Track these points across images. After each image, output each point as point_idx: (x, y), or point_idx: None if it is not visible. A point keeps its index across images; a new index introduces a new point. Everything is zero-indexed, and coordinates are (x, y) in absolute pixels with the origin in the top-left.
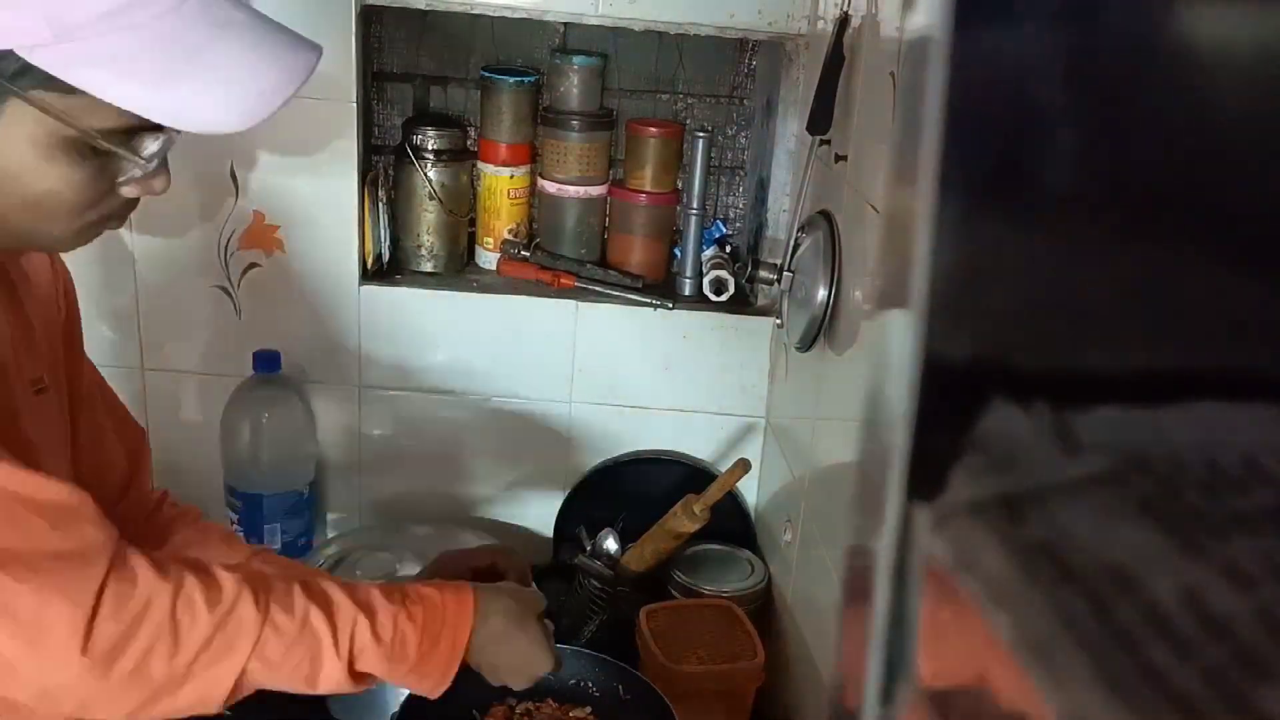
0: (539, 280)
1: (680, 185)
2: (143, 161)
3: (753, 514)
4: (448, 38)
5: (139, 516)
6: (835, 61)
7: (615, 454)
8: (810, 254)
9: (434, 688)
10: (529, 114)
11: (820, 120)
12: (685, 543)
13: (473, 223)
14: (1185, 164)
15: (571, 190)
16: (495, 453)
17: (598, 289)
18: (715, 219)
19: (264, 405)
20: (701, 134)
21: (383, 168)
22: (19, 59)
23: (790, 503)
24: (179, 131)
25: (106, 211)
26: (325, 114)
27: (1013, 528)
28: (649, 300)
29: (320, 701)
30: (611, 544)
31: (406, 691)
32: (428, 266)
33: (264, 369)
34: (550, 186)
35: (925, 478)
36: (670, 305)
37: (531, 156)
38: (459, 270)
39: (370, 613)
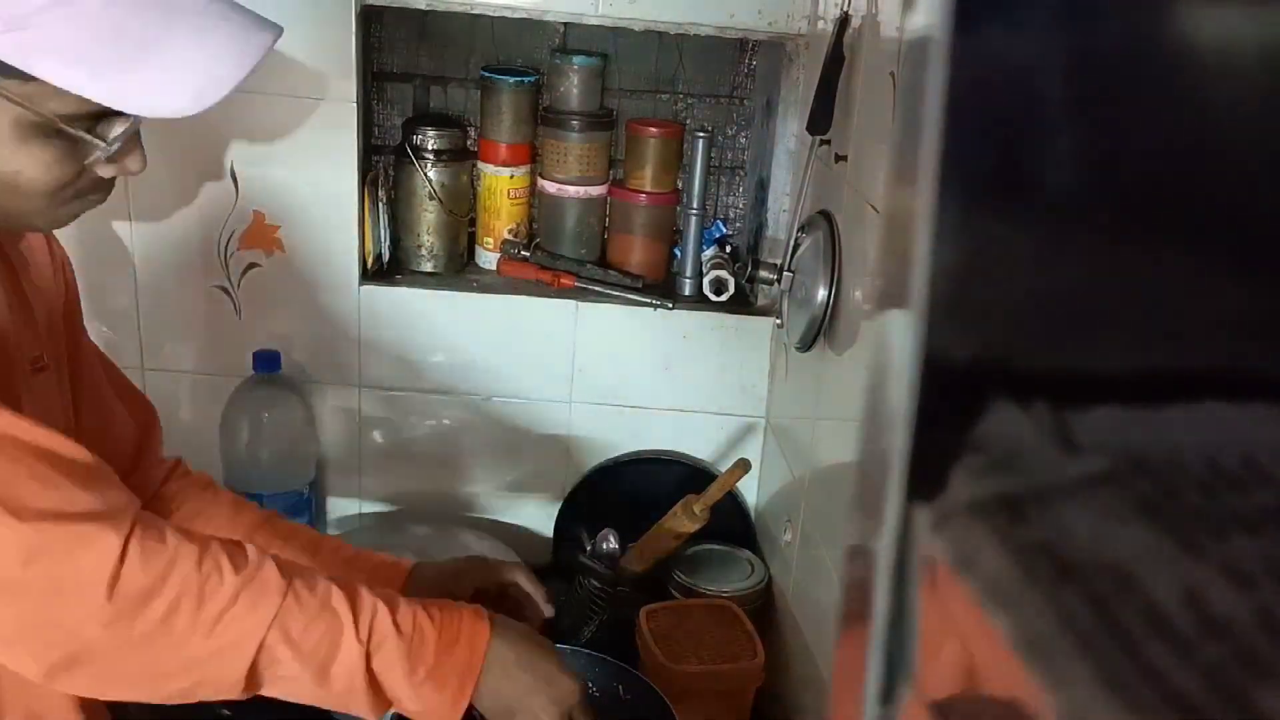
0: (539, 280)
1: (680, 185)
2: (104, 145)
3: (753, 514)
4: (448, 38)
5: (150, 486)
6: (835, 61)
7: (615, 454)
8: (810, 254)
9: (451, 703)
10: (529, 114)
11: (820, 120)
12: (685, 543)
13: (473, 223)
14: (1185, 164)
15: (571, 190)
16: (495, 453)
17: (598, 289)
18: (715, 219)
19: (264, 405)
20: (701, 134)
21: (383, 168)
22: None
23: (790, 503)
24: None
25: (83, 189)
26: (325, 114)
27: (1013, 528)
28: (649, 300)
29: None
30: (611, 544)
31: None
32: (428, 266)
33: (264, 369)
34: (550, 186)
35: (925, 478)
36: (670, 305)
37: (531, 156)
38: (459, 270)
39: (391, 603)
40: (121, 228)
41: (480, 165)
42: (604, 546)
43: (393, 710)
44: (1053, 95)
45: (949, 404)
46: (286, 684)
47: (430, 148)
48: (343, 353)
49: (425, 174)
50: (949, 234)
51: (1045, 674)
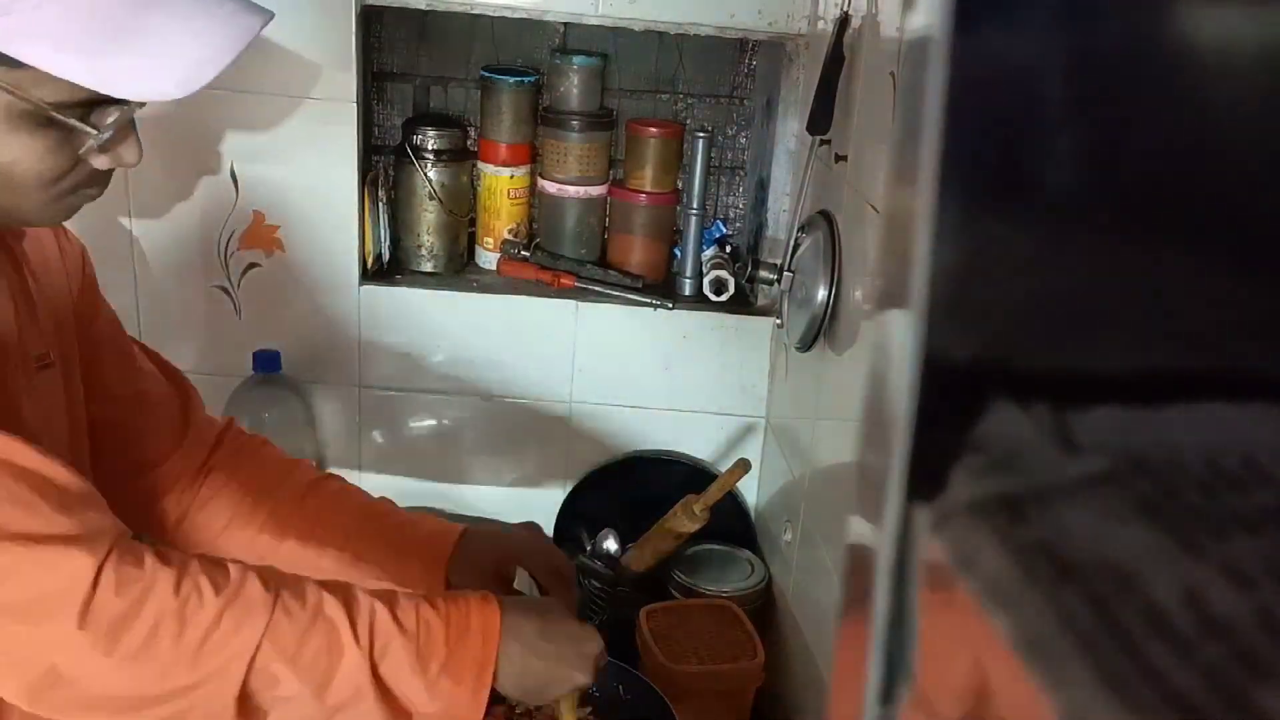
0: (539, 280)
1: (680, 185)
2: (95, 133)
3: (753, 514)
4: (448, 38)
5: (205, 446)
6: (835, 61)
7: (615, 454)
8: (810, 254)
9: (475, 701)
10: (529, 114)
11: (820, 120)
12: (685, 543)
13: (473, 223)
14: (1185, 164)
15: (571, 190)
16: (495, 452)
17: (598, 289)
18: (715, 219)
19: (264, 405)
20: (701, 134)
21: (383, 168)
22: None
23: (790, 503)
24: (140, 104)
25: (79, 181)
26: (325, 114)
27: (1013, 528)
28: (649, 300)
29: None
30: (611, 544)
31: None
32: (428, 266)
33: (264, 369)
34: (550, 186)
35: (925, 478)
36: (670, 305)
37: (531, 156)
38: (459, 270)
39: (389, 602)
40: (122, 227)
41: (480, 165)
42: (604, 546)
43: None
44: (1053, 95)
45: (949, 404)
46: (289, 705)
47: (430, 148)
48: (343, 353)
49: (425, 174)
50: (949, 234)
51: (1045, 674)
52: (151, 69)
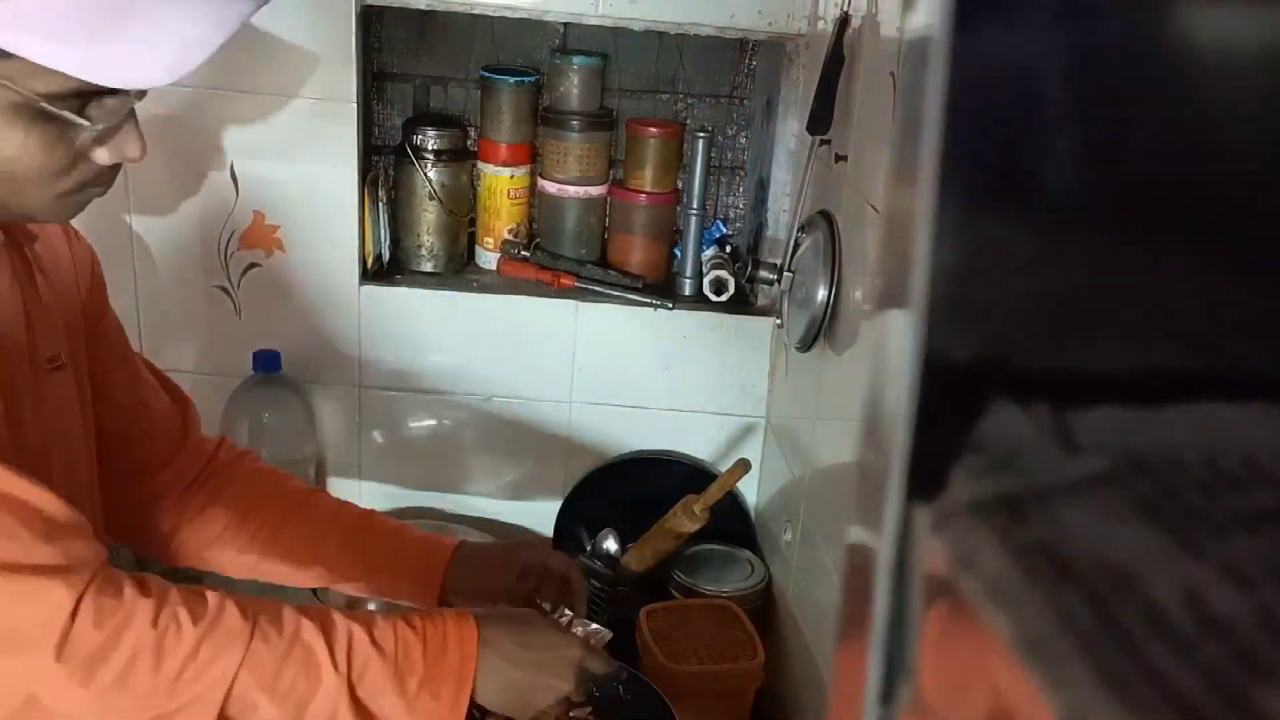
0: (539, 280)
1: (680, 185)
2: (86, 124)
3: (753, 514)
4: (448, 38)
5: (199, 462)
6: (835, 61)
7: (615, 454)
8: (810, 254)
9: (450, 709)
10: (529, 114)
11: (820, 120)
12: (685, 543)
13: (473, 223)
14: (1185, 164)
15: (571, 190)
16: (495, 453)
17: (598, 289)
18: (715, 219)
19: (264, 405)
20: (701, 134)
21: (383, 168)
22: None
23: (790, 503)
24: (138, 95)
25: (83, 179)
26: (325, 114)
27: (1013, 528)
28: (649, 300)
29: None
30: (611, 544)
31: None
32: (428, 266)
33: (264, 369)
34: (550, 186)
35: (925, 478)
36: (670, 305)
37: (531, 156)
38: (459, 270)
39: (367, 624)
40: (122, 227)
41: (480, 165)
42: (604, 546)
43: None
44: (1053, 95)
45: (949, 404)
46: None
47: (430, 148)
48: (343, 353)
49: (425, 174)
50: (949, 234)
51: (1045, 674)
52: (139, 56)
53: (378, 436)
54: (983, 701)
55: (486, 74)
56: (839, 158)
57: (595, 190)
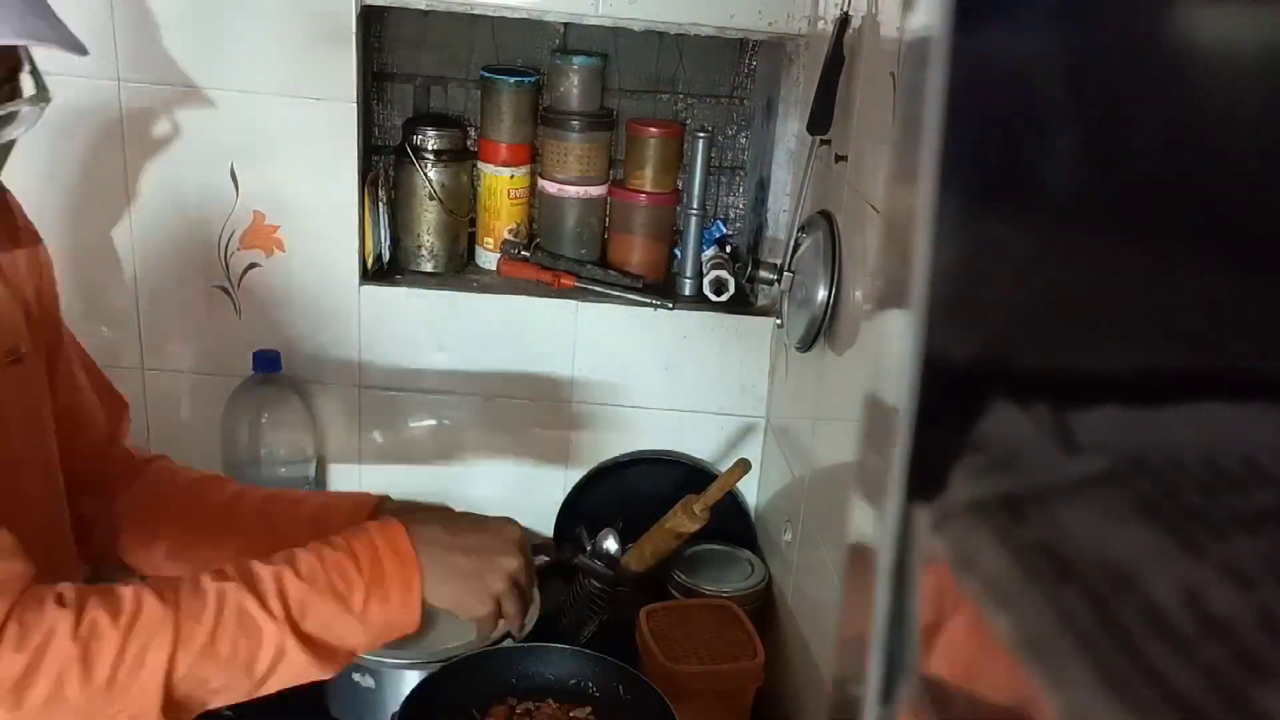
0: (539, 280)
1: (680, 185)
2: None
3: (753, 514)
4: (448, 38)
5: (118, 473)
6: (835, 61)
7: (615, 454)
8: (810, 254)
9: (406, 612)
10: (529, 114)
11: (820, 120)
12: (685, 543)
13: (473, 223)
14: (1185, 164)
15: (571, 190)
16: (495, 452)
17: (598, 289)
18: (715, 219)
19: (264, 405)
20: (701, 134)
21: (383, 168)
22: None
23: (790, 503)
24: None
25: None
26: (325, 114)
27: (1013, 528)
28: (649, 300)
29: (320, 702)
30: (611, 544)
31: (407, 690)
32: (428, 266)
33: (264, 369)
34: (550, 186)
35: (925, 478)
36: (670, 305)
37: (531, 156)
38: (459, 270)
39: (290, 562)
40: (122, 228)
41: (480, 165)
42: (604, 546)
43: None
44: (1053, 95)
45: (949, 404)
46: (225, 694)
47: (430, 148)
48: (343, 353)
49: (425, 174)
50: (949, 234)
51: (1045, 674)
52: None
53: (378, 436)
54: (982, 701)
55: (486, 74)
56: (839, 158)
57: (595, 190)
